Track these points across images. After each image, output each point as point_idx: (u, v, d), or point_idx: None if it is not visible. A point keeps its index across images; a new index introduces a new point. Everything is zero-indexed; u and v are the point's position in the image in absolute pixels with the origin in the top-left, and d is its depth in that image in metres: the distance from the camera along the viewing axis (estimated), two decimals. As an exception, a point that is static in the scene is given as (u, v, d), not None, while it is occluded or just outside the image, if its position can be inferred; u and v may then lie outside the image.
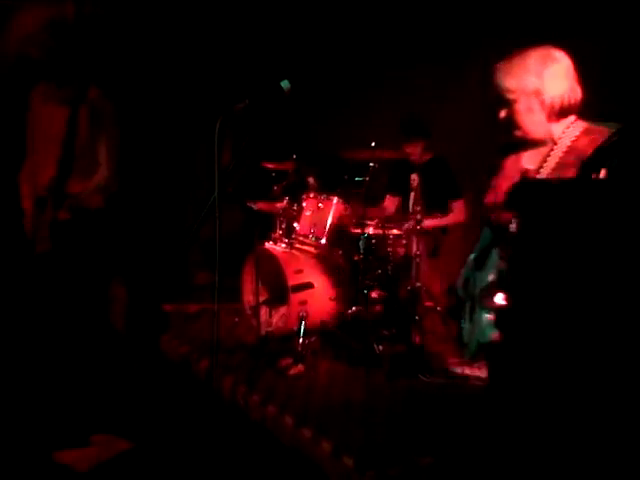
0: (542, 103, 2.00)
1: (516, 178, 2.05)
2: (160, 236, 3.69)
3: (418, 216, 3.68)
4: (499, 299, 1.98)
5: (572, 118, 2.04)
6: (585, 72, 2.03)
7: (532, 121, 2.04)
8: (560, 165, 2.00)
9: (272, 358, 3.38)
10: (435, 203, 4.03)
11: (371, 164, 3.84)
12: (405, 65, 4.80)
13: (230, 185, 4.04)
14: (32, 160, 3.01)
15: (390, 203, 4.52)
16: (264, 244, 3.89)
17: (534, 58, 1.99)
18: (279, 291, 3.80)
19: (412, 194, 4.20)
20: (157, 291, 3.48)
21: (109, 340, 2.96)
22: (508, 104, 2.05)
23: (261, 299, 3.78)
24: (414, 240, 3.73)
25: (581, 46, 2.09)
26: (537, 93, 1.99)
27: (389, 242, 3.81)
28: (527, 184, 1.69)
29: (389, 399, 2.99)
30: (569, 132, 2.01)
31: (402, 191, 4.35)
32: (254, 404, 2.97)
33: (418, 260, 3.66)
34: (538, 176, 2.02)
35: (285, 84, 1.84)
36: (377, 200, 4.48)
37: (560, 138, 2.02)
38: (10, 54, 3.62)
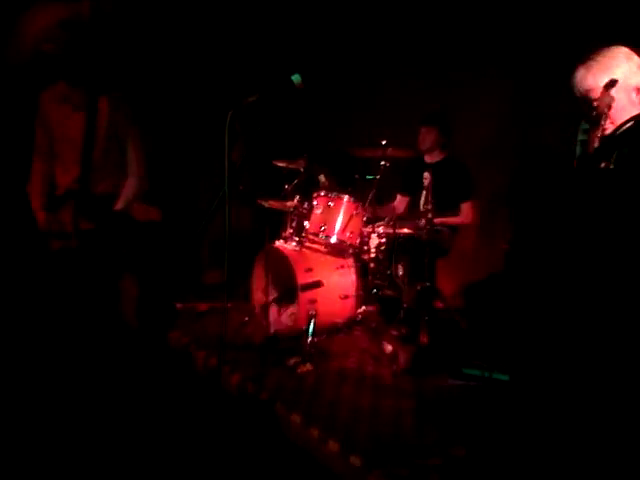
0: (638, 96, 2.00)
1: None
2: (172, 232, 3.70)
3: (429, 214, 3.66)
4: None
5: None
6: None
7: (628, 116, 2.00)
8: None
9: (281, 357, 3.37)
10: (445, 203, 4.01)
11: (382, 162, 3.83)
12: (420, 63, 4.77)
13: (241, 183, 4.07)
14: (41, 159, 3.02)
15: (400, 202, 4.50)
16: (274, 242, 3.88)
17: (620, 54, 2.01)
18: (289, 290, 3.80)
19: (423, 192, 4.19)
20: (168, 287, 3.48)
21: (119, 334, 2.97)
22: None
23: (271, 298, 3.77)
24: (424, 240, 3.71)
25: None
26: (635, 87, 2.00)
27: (400, 241, 3.79)
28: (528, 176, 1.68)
29: (397, 399, 2.97)
30: None
31: (413, 190, 4.33)
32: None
33: (428, 260, 3.63)
34: None
35: (296, 78, 1.83)
36: (388, 199, 4.47)
37: None
38: (26, 50, 3.64)
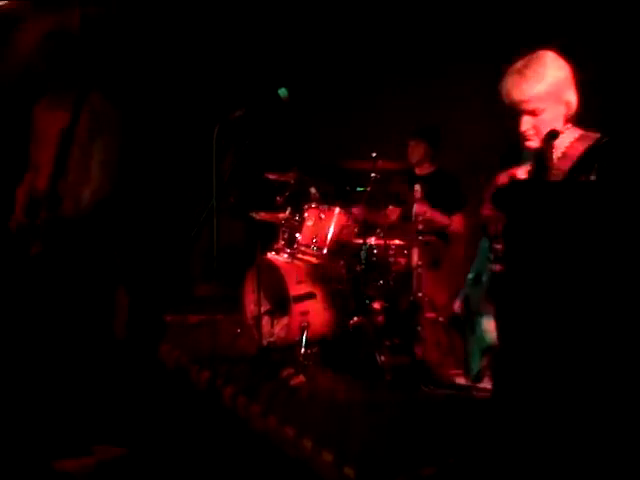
0: (568, 110, 1.93)
1: None
2: (161, 245, 3.70)
3: (420, 226, 3.67)
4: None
5: (569, 125, 1.98)
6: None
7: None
8: (554, 174, 1.90)
9: (274, 369, 3.37)
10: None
11: (372, 174, 3.85)
12: (409, 76, 4.80)
13: (233, 195, 4.08)
14: (33, 169, 3.02)
15: (392, 213, 4.52)
16: (266, 254, 3.89)
17: (552, 61, 1.92)
18: (281, 301, 3.80)
19: (415, 205, 4.21)
20: (158, 300, 3.48)
21: (108, 347, 2.94)
22: (532, 113, 1.92)
23: (263, 309, 3.77)
24: (416, 251, 3.72)
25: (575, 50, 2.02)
26: (565, 100, 1.92)
27: (391, 253, 3.81)
28: (514, 184, 1.69)
29: (390, 410, 2.97)
30: (564, 138, 1.93)
31: (404, 202, 4.36)
32: (255, 414, 2.95)
33: (420, 271, 3.65)
34: None
35: (283, 92, 1.85)
36: (379, 210, 4.49)
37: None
38: (16, 67, 3.66)
